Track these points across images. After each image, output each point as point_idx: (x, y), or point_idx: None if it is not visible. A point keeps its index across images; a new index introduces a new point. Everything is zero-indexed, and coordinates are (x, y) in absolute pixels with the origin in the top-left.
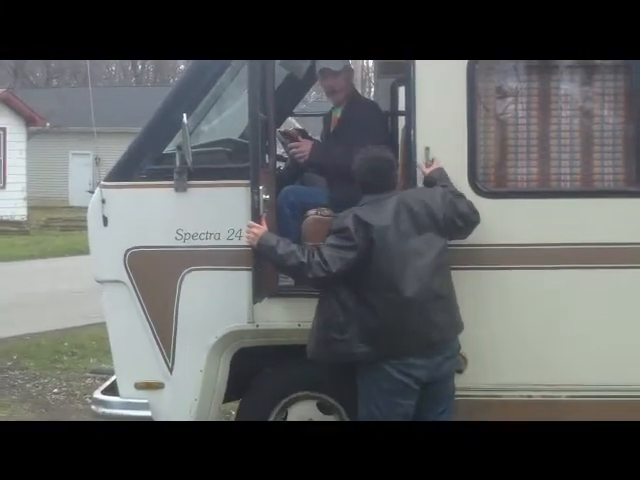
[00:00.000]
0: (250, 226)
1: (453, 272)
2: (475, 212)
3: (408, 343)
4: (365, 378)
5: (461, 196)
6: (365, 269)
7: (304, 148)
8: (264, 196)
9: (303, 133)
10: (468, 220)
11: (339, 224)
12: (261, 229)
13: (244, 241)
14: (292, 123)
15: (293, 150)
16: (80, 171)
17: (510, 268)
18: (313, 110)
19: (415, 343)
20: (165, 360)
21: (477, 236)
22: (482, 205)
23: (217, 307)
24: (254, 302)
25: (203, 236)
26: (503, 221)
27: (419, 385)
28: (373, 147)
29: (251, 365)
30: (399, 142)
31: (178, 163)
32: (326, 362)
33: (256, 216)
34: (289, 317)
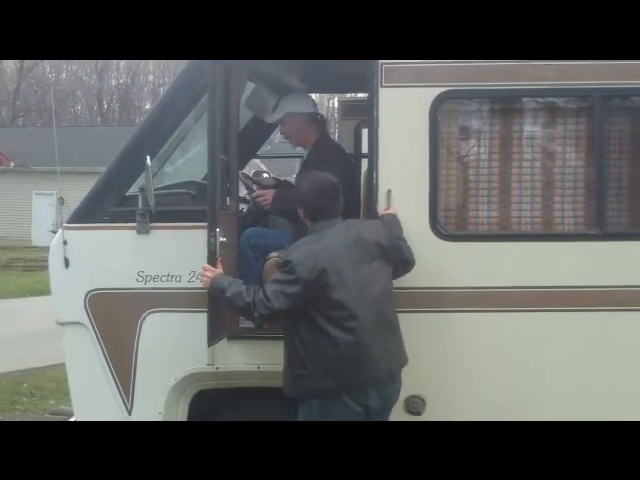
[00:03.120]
0: (205, 269)
1: (415, 315)
2: (414, 261)
3: (370, 373)
4: (314, 409)
5: (405, 241)
6: (320, 300)
7: (267, 197)
8: (221, 238)
9: (277, 182)
10: (407, 266)
11: (283, 258)
12: (215, 272)
13: (199, 284)
14: (257, 165)
15: (258, 199)
16: (43, 211)
17: (471, 311)
18: (279, 151)
19: (377, 373)
20: (124, 402)
21: (438, 279)
22: (443, 248)
23: (177, 349)
24: (208, 345)
25: (164, 278)
26: (464, 264)
27: (367, 414)
28: (318, 172)
29: (210, 408)
30: (361, 184)
31: (141, 205)
32: (298, 398)
33: (212, 259)
34: (249, 359)
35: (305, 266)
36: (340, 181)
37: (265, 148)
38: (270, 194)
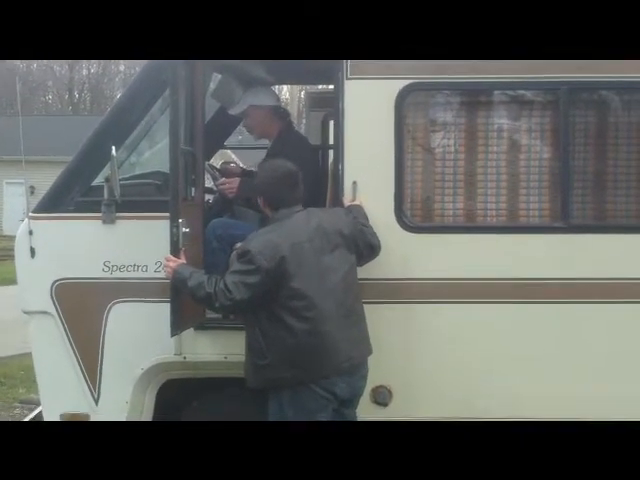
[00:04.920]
0: (167, 259)
1: (381, 306)
2: (380, 245)
3: (331, 362)
4: (284, 400)
5: (370, 227)
6: (279, 289)
7: (232, 185)
8: (184, 229)
9: (243, 171)
10: (372, 251)
11: (242, 248)
12: (177, 262)
13: (162, 274)
14: (228, 155)
15: (221, 187)
16: (14, 200)
17: (437, 302)
18: (250, 142)
19: (338, 361)
20: (91, 391)
21: (403, 270)
22: (409, 240)
23: (144, 339)
24: (172, 335)
25: (130, 268)
26: (429, 256)
27: (337, 402)
28: (275, 160)
29: (178, 398)
30: (329, 176)
31: (106, 195)
32: (259, 389)
33: (175, 249)
34: (216, 349)
35: (264, 255)
36: (303, 172)
37: (236, 138)
38: (235, 182)
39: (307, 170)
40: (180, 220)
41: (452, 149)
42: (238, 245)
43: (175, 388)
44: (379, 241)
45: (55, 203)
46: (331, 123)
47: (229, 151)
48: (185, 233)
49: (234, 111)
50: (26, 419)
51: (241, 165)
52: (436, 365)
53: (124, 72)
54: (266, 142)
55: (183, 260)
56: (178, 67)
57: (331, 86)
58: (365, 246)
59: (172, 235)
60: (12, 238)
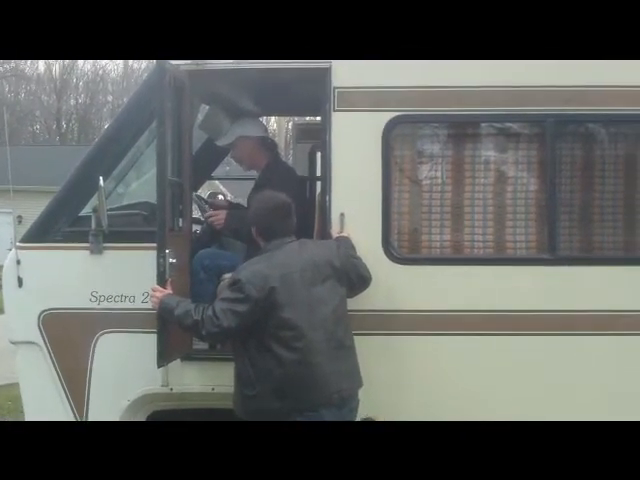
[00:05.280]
0: (154, 290)
1: (368, 338)
2: (370, 277)
3: (320, 393)
4: None
5: (360, 259)
6: (269, 319)
7: (219, 217)
8: (171, 260)
9: (229, 204)
10: (364, 282)
11: (232, 277)
12: (164, 292)
13: (149, 305)
14: (216, 186)
15: (210, 219)
16: (2, 229)
17: (425, 334)
18: (238, 173)
19: (327, 393)
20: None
21: (391, 302)
22: (396, 271)
23: (131, 370)
24: (158, 366)
25: (118, 299)
26: (416, 287)
27: None
28: (269, 191)
29: None
30: (316, 207)
31: (94, 225)
32: (247, 419)
33: (162, 280)
34: (203, 380)
35: (254, 285)
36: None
37: (224, 169)
38: (223, 214)
39: (294, 201)
40: (167, 251)
41: (439, 181)
42: (226, 276)
43: (162, 419)
44: (370, 273)
45: (43, 233)
46: (318, 155)
47: (217, 182)
48: (172, 264)
49: (222, 142)
50: None
51: (229, 196)
52: (423, 397)
53: (112, 102)
54: (254, 173)
55: (170, 291)
56: (166, 98)
57: (318, 118)
58: (357, 278)
59: (159, 265)
60: (0, 267)
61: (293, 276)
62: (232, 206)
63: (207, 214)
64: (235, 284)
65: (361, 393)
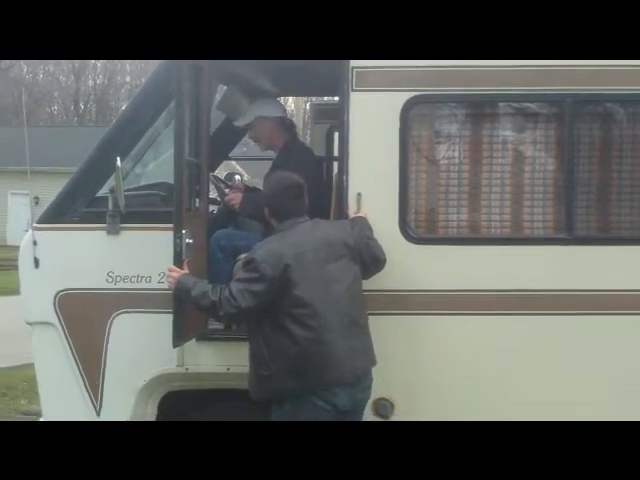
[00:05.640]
0: (170, 270)
1: (385, 318)
2: (385, 259)
3: (334, 372)
4: (286, 413)
5: (375, 240)
6: (283, 298)
7: (235, 200)
8: (187, 240)
9: (246, 187)
10: (378, 264)
11: (247, 257)
12: (180, 273)
13: (165, 285)
14: (233, 166)
15: (227, 200)
16: (19, 210)
17: (441, 314)
18: (256, 153)
19: (340, 372)
20: (93, 402)
21: (407, 282)
22: (413, 251)
23: (146, 350)
24: (174, 346)
25: (134, 279)
26: (434, 267)
27: (338, 413)
28: (281, 172)
29: (180, 409)
30: (333, 188)
31: (111, 206)
32: (262, 400)
33: (178, 260)
34: (219, 361)
35: (269, 263)
36: (308, 183)
37: (241, 150)
38: (239, 196)
39: (311, 181)
40: (184, 231)
41: (457, 161)
42: (242, 256)
43: (177, 399)
44: (385, 255)
45: (60, 214)
46: (336, 135)
47: (234, 162)
48: (189, 244)
49: (240, 123)
50: None
51: (245, 177)
52: (439, 378)
53: (130, 83)
54: (270, 153)
55: (186, 271)
56: (183, 79)
57: (336, 98)
58: (371, 259)
59: (175, 246)
60: (16, 248)
61: (307, 255)
62: (248, 189)
63: (225, 198)
64: (250, 263)
65: (376, 374)
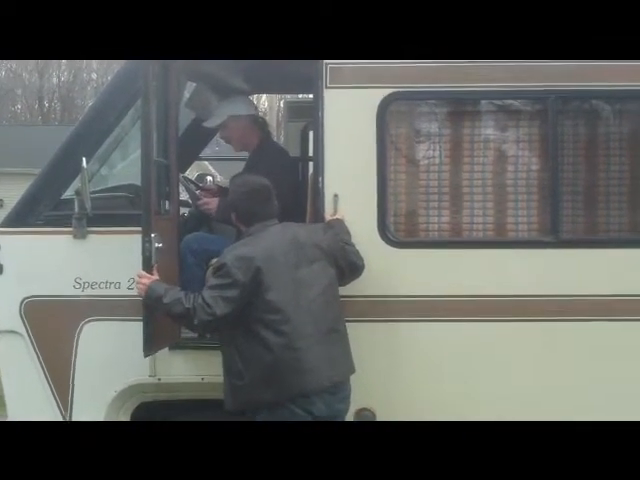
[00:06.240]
0: (140, 276)
1: (364, 325)
2: (363, 265)
3: (309, 378)
4: (263, 419)
5: (352, 245)
6: (256, 303)
7: (212, 205)
8: (157, 244)
9: (219, 188)
10: (355, 270)
11: (217, 262)
12: (151, 279)
13: (135, 292)
14: (205, 166)
15: (201, 204)
16: None
17: (422, 320)
18: (228, 153)
19: (316, 378)
20: (62, 414)
21: (387, 287)
22: (392, 255)
23: (117, 360)
24: (145, 355)
25: (103, 285)
26: (413, 272)
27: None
28: (247, 175)
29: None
30: (308, 189)
31: (77, 209)
32: (236, 411)
33: (148, 265)
34: (193, 370)
35: (239, 268)
36: (283, 184)
37: (213, 149)
38: (214, 202)
39: (287, 182)
40: (153, 235)
41: (437, 161)
42: (214, 261)
43: (150, 411)
44: (362, 261)
45: (24, 217)
46: (311, 134)
47: (206, 162)
48: (158, 248)
49: (211, 124)
50: None
51: (218, 178)
52: (421, 385)
53: (96, 80)
54: (244, 153)
55: (156, 276)
56: (150, 75)
57: (310, 95)
58: (347, 265)
59: (144, 250)
60: None
61: (277, 259)
62: (222, 190)
63: (199, 202)
64: (221, 269)
65: (357, 383)
